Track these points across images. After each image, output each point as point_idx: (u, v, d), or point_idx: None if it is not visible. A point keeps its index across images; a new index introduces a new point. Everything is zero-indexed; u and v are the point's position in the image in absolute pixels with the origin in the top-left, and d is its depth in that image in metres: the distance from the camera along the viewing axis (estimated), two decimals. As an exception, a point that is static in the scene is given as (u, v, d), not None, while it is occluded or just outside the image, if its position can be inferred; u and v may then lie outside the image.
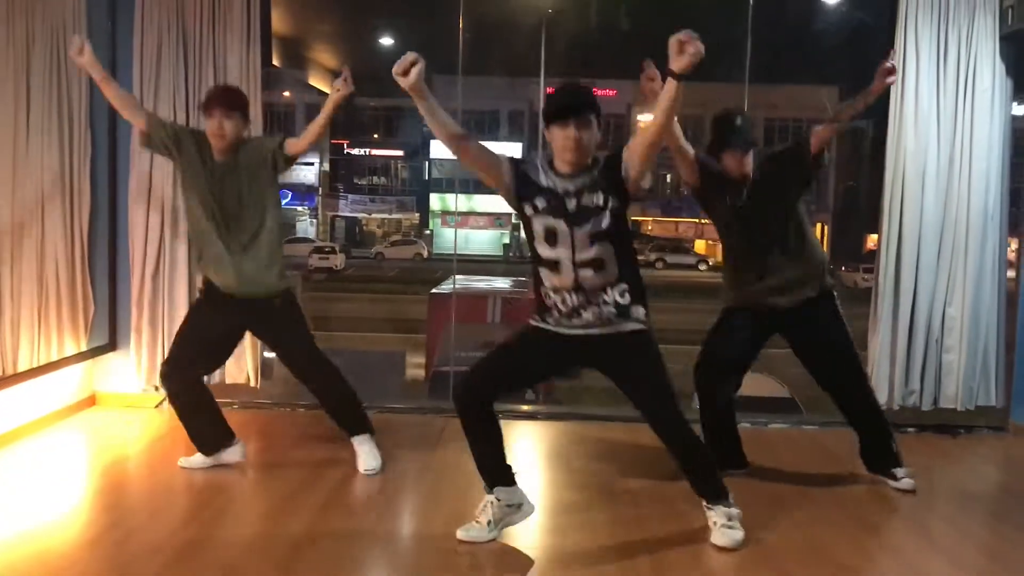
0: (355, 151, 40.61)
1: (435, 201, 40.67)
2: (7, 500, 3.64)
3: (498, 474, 3.33)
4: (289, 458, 4.28)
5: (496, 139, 38.35)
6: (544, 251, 3.16)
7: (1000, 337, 5.06)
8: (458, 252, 36.16)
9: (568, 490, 3.97)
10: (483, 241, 38.93)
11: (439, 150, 38.93)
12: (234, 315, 3.99)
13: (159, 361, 5.02)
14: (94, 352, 5.03)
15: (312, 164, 39.24)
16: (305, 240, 35.22)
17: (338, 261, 31.92)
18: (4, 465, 4.08)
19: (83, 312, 4.94)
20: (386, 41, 25.25)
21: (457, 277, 11.62)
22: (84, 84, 4.86)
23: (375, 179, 41.83)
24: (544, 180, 3.16)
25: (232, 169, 3.85)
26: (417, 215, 41.01)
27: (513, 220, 39.69)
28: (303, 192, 38.55)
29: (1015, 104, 5.00)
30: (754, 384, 8.31)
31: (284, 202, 38.55)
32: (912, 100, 4.88)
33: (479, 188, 39.90)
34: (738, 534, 3.26)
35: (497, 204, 39.93)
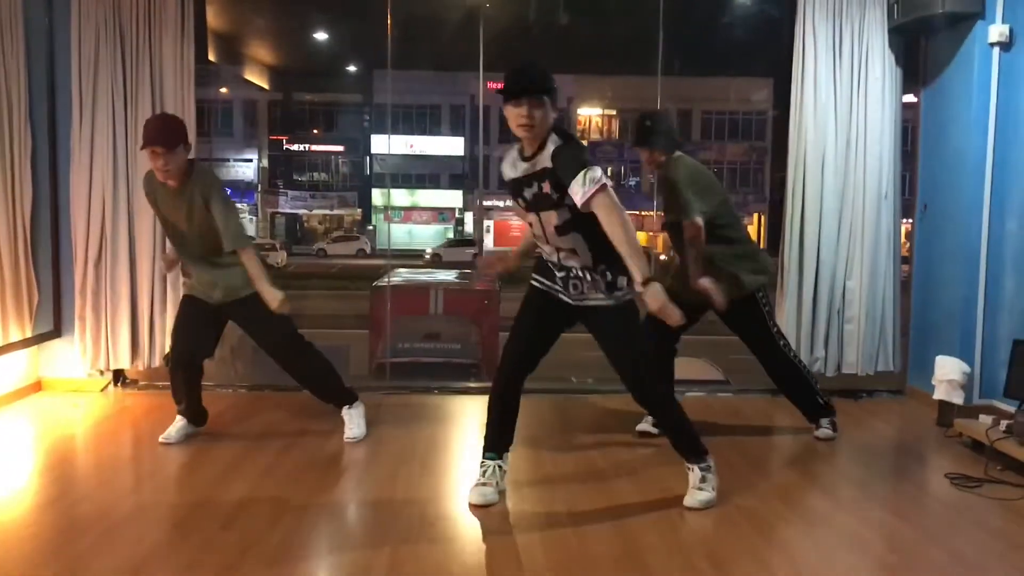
0: (294, 147, 40.37)
1: (377, 196, 40.66)
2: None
3: (505, 442, 3.67)
4: (233, 432, 4.53)
5: (439, 133, 38.51)
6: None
7: (895, 308, 5.46)
8: (402, 247, 36.26)
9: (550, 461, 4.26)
10: (427, 236, 39.05)
11: (380, 145, 38.95)
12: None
13: (103, 346, 5.23)
14: (39, 339, 5.20)
15: (251, 161, 38.98)
16: (245, 238, 34.94)
17: (280, 258, 31.76)
18: (-47, 446, 4.24)
19: (27, 301, 5.10)
20: (321, 36, 25.26)
21: (400, 270, 11.80)
22: (23, 80, 5.01)
23: (315, 175, 41.64)
24: (511, 170, 3.45)
25: (182, 194, 4.08)
26: (359, 211, 40.95)
27: (456, 215, 39.96)
28: (242, 189, 38.25)
29: (904, 94, 5.42)
30: (690, 368, 8.71)
31: (224, 199, 38.31)
32: (811, 89, 5.25)
33: (421, 183, 40.12)
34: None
35: (439, 199, 40.19)
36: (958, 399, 4.76)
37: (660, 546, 3.15)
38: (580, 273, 3.43)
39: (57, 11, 5.16)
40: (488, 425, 3.66)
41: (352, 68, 33.33)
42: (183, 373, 4.30)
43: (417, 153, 38.94)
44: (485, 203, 37.70)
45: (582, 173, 3.14)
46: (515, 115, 3.22)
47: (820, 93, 5.25)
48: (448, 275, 12.56)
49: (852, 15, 5.23)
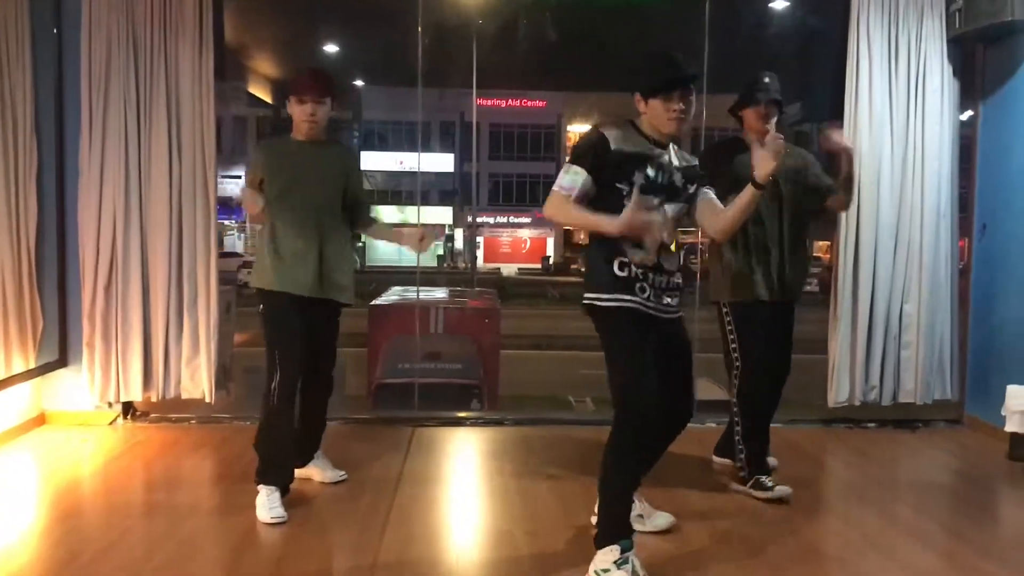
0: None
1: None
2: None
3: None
4: (250, 474, 3.94)
5: (429, 150, 38.25)
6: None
7: (954, 332, 5.18)
8: (390, 264, 35.84)
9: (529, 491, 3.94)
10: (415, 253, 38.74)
11: (372, 162, 38.64)
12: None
13: (113, 376, 4.88)
14: (43, 369, 4.83)
15: (239, 177, 38.50)
16: (233, 255, 34.44)
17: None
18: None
19: (31, 327, 4.74)
20: (330, 48, 24.83)
21: (395, 288, 11.48)
22: (29, 91, 4.68)
23: (305, 192, 41.27)
24: (641, 147, 3.02)
25: (316, 155, 3.78)
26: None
27: (446, 232, 39.64)
28: (232, 207, 37.82)
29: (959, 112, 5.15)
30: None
31: (212, 217, 37.82)
32: (866, 103, 4.98)
33: (411, 200, 39.80)
34: None
35: (428, 216, 39.91)
36: (1033, 431, 4.47)
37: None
38: (678, 280, 3.12)
39: (66, 18, 4.82)
40: (623, 500, 3.04)
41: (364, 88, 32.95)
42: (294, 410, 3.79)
43: (406, 170, 38.64)
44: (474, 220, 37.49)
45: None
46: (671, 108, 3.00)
47: (875, 107, 4.97)
48: (443, 293, 12.25)
49: (909, 25, 4.97)
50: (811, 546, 3.33)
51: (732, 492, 3.92)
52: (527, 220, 40.45)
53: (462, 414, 5.54)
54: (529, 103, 38.80)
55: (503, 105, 38.37)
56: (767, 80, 3.93)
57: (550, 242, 40.93)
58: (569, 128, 40.74)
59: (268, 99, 32.67)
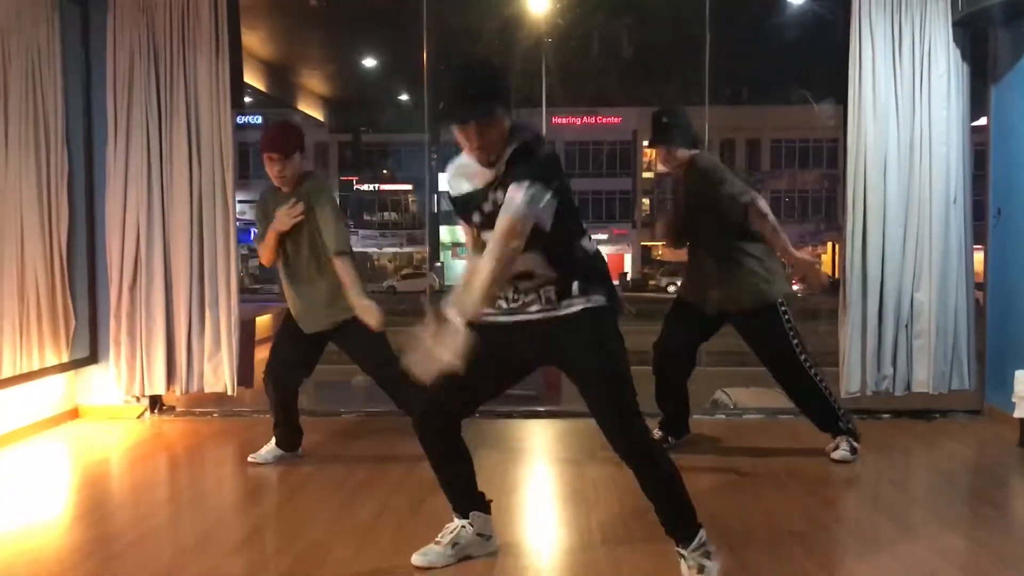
0: (364, 187, 40.93)
1: (444, 233, 40.77)
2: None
3: (472, 499, 3.01)
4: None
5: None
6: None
7: (970, 321, 5.06)
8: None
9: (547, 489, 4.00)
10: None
11: (446, 183, 39.22)
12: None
13: (138, 372, 5.13)
14: (76, 364, 5.12)
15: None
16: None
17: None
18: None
19: (64, 326, 5.03)
20: (369, 63, 25.18)
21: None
22: (59, 103, 4.98)
23: (385, 215, 42.11)
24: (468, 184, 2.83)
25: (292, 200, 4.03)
26: (427, 248, 41.08)
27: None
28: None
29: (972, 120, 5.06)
30: (754, 397, 8.37)
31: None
32: (870, 88, 4.93)
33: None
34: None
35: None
36: (1042, 417, 4.35)
37: None
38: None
39: (93, 33, 5.13)
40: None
41: (408, 103, 33.38)
42: (274, 394, 4.19)
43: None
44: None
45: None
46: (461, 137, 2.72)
47: (879, 93, 4.92)
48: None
49: (912, 9, 4.91)
50: (773, 521, 3.32)
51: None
52: (604, 236, 40.35)
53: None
54: (604, 120, 38.83)
55: (578, 123, 38.50)
56: (661, 120, 4.08)
57: (627, 259, 40.74)
58: (645, 144, 40.62)
59: (320, 117, 33.14)
